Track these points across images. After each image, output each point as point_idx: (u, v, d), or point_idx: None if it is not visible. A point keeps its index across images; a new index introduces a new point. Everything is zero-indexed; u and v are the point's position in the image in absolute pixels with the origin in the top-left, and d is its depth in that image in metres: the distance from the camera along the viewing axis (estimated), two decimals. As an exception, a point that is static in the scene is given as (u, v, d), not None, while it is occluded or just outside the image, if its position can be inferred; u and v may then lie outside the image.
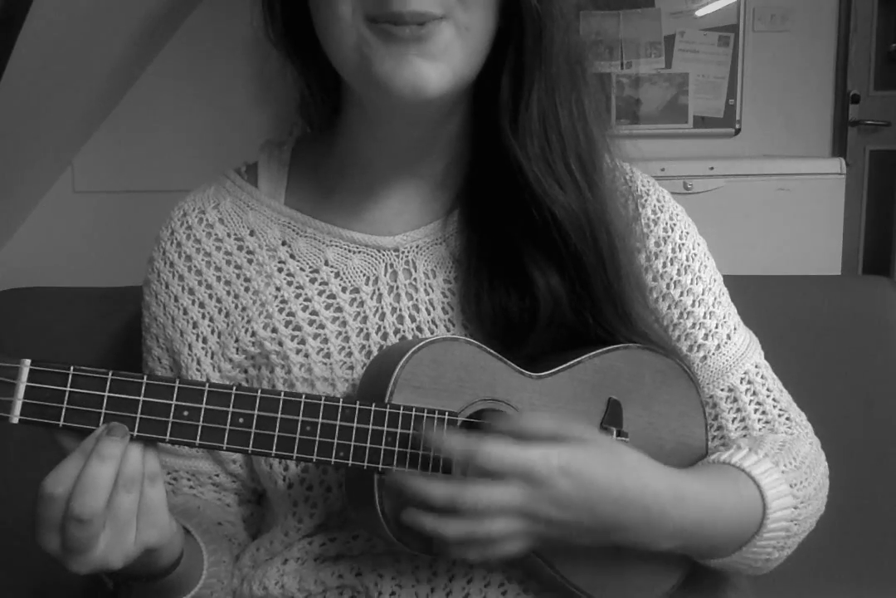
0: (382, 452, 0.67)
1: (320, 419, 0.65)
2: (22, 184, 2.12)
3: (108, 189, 2.45)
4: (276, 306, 0.82)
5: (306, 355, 0.81)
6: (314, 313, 0.82)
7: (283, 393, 0.65)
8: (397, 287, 0.83)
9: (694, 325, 0.85)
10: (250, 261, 0.84)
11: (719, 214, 2.30)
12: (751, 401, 0.86)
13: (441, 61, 0.71)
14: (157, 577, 0.69)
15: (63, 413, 0.60)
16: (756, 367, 0.87)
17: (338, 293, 0.82)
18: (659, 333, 0.82)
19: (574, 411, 0.76)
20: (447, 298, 0.83)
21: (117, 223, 2.43)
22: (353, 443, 0.66)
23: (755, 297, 1.03)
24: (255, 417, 0.64)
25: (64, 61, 1.58)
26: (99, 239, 2.44)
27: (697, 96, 2.78)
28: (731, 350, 0.86)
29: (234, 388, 0.64)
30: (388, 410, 0.68)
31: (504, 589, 0.78)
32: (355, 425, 0.66)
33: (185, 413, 0.62)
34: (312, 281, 0.83)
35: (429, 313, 0.82)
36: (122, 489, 0.60)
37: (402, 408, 0.68)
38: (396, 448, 0.68)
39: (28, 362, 0.59)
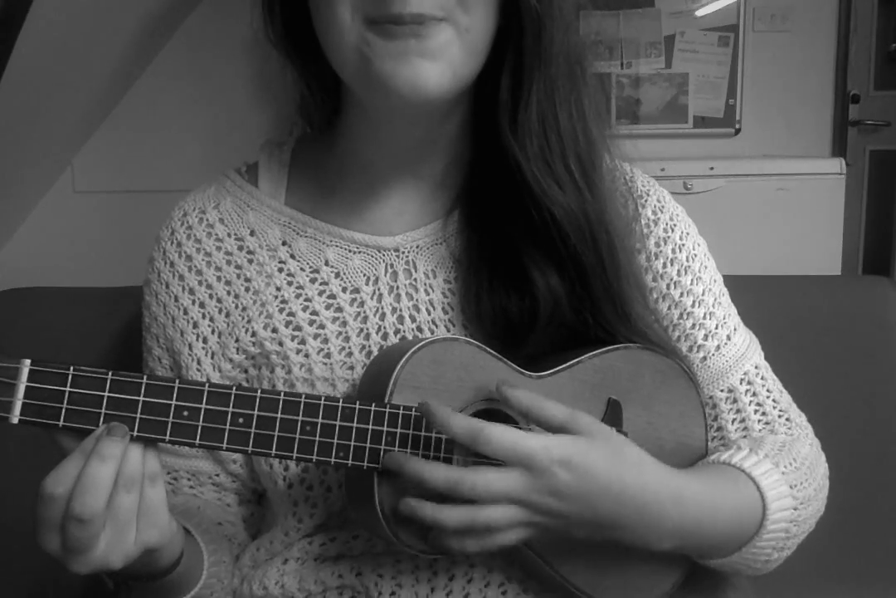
0: (382, 452, 0.67)
1: (320, 419, 0.65)
2: (22, 184, 2.12)
3: (108, 189, 2.46)
4: (277, 306, 0.82)
5: (306, 355, 0.81)
6: (314, 313, 0.82)
7: (282, 393, 0.65)
8: (397, 287, 0.83)
9: (694, 325, 0.85)
10: (251, 261, 0.84)
11: (719, 214, 2.30)
12: (750, 402, 0.86)
13: (441, 61, 0.71)
14: (157, 577, 0.69)
15: (63, 413, 0.60)
16: (756, 368, 0.87)
17: (338, 293, 0.82)
18: (659, 333, 0.82)
19: (574, 411, 0.76)
20: (447, 298, 0.83)
21: (117, 223, 2.43)
22: (352, 443, 0.66)
23: (755, 297, 1.03)
24: (255, 417, 0.64)
25: (64, 61, 1.58)
26: (99, 239, 2.44)
27: (697, 96, 2.78)
28: (730, 351, 0.86)
29: (234, 388, 0.64)
30: (387, 410, 0.68)
31: (504, 589, 0.78)
32: (355, 425, 0.66)
33: (185, 413, 0.62)
34: (313, 281, 0.83)
35: (429, 314, 0.82)
36: (122, 489, 0.60)
37: (402, 408, 0.68)
38: (396, 448, 0.68)
39: (28, 362, 0.59)
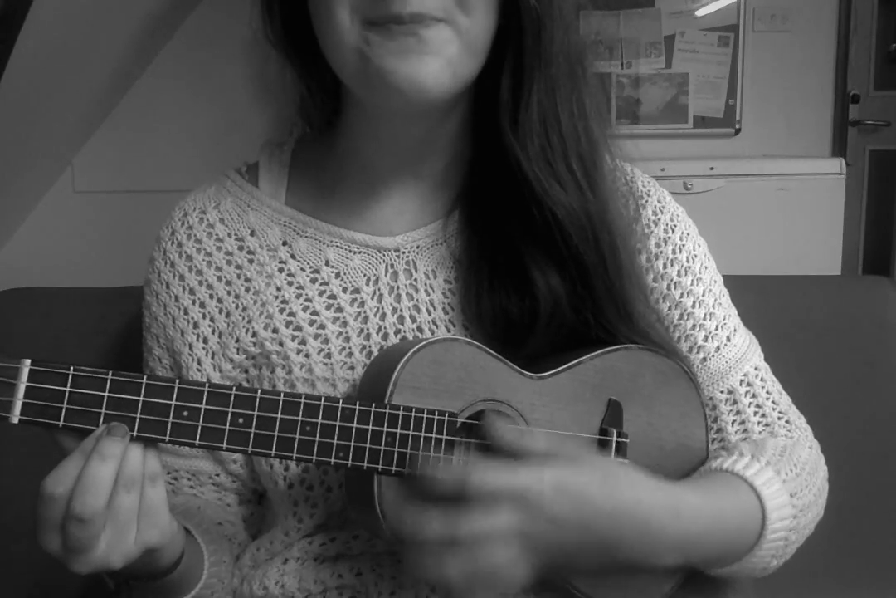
0: (382, 452, 0.67)
1: (320, 420, 0.65)
2: (22, 184, 2.12)
3: (108, 189, 2.45)
4: (277, 306, 0.82)
5: (307, 356, 0.81)
6: (315, 313, 0.82)
7: (282, 394, 0.65)
8: (398, 288, 0.83)
9: (694, 326, 0.85)
10: (251, 261, 0.84)
11: (719, 214, 2.30)
12: (750, 403, 0.86)
13: (440, 58, 0.71)
14: (157, 577, 0.69)
15: (63, 413, 0.60)
16: (756, 369, 0.87)
17: (338, 294, 0.82)
18: (660, 332, 0.82)
19: (574, 411, 0.76)
20: (448, 298, 0.83)
21: (117, 223, 2.43)
22: (352, 444, 0.66)
23: (755, 297, 1.03)
24: (255, 417, 0.64)
25: (64, 61, 1.58)
26: (99, 239, 2.44)
27: (697, 96, 2.78)
28: (730, 352, 0.86)
29: (234, 388, 0.64)
30: (387, 410, 0.68)
31: (504, 589, 0.78)
32: (355, 425, 0.66)
33: (185, 413, 0.62)
34: (313, 281, 0.83)
35: (429, 314, 0.82)
36: (122, 489, 0.60)
37: (401, 409, 0.68)
38: (396, 449, 0.68)
39: (28, 362, 0.59)
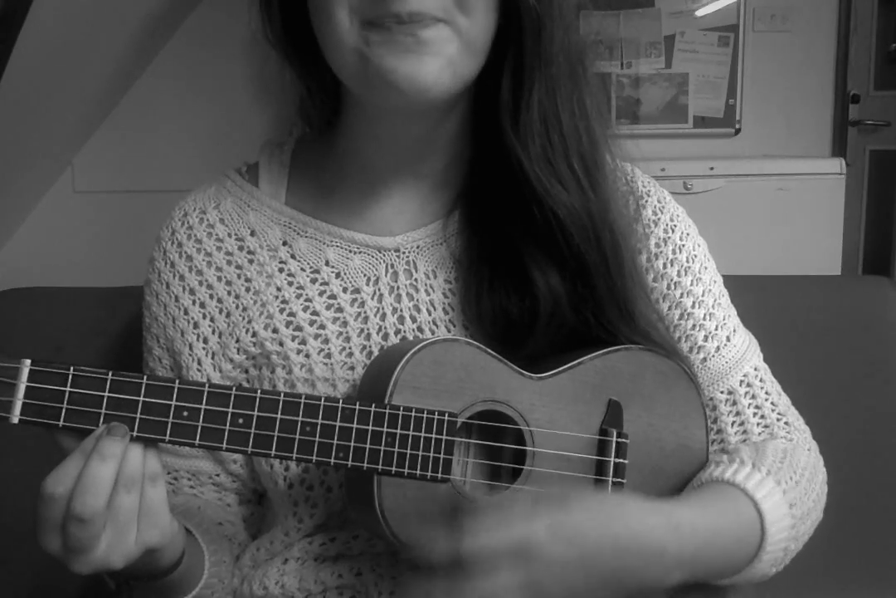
0: (382, 452, 0.67)
1: (320, 420, 0.65)
2: (22, 184, 2.12)
3: (108, 189, 2.45)
4: (277, 306, 0.82)
5: (307, 356, 0.81)
6: (315, 313, 0.82)
7: (282, 394, 0.65)
8: (398, 288, 0.83)
9: (694, 326, 0.85)
10: (251, 261, 0.84)
11: (719, 214, 2.29)
12: (749, 404, 0.86)
13: (440, 58, 0.71)
14: (158, 577, 0.69)
15: (63, 413, 0.60)
16: (755, 370, 0.87)
17: (338, 294, 0.82)
18: (661, 332, 0.82)
19: (574, 411, 0.76)
20: (448, 298, 0.83)
21: (117, 223, 2.43)
22: (352, 444, 0.66)
23: (755, 297, 1.03)
24: (255, 417, 0.64)
25: (64, 61, 1.58)
26: (99, 239, 2.44)
27: (697, 96, 2.78)
28: (730, 352, 0.86)
29: (234, 389, 0.64)
30: (387, 411, 0.68)
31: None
32: (355, 425, 0.66)
33: (185, 414, 0.62)
34: (313, 281, 0.83)
35: (429, 314, 0.82)
36: (122, 489, 0.60)
37: (401, 409, 0.68)
38: (396, 449, 0.68)
39: (28, 362, 0.59)
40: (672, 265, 0.86)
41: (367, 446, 0.67)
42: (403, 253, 0.83)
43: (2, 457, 1.15)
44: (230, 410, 0.63)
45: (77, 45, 1.58)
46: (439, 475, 0.69)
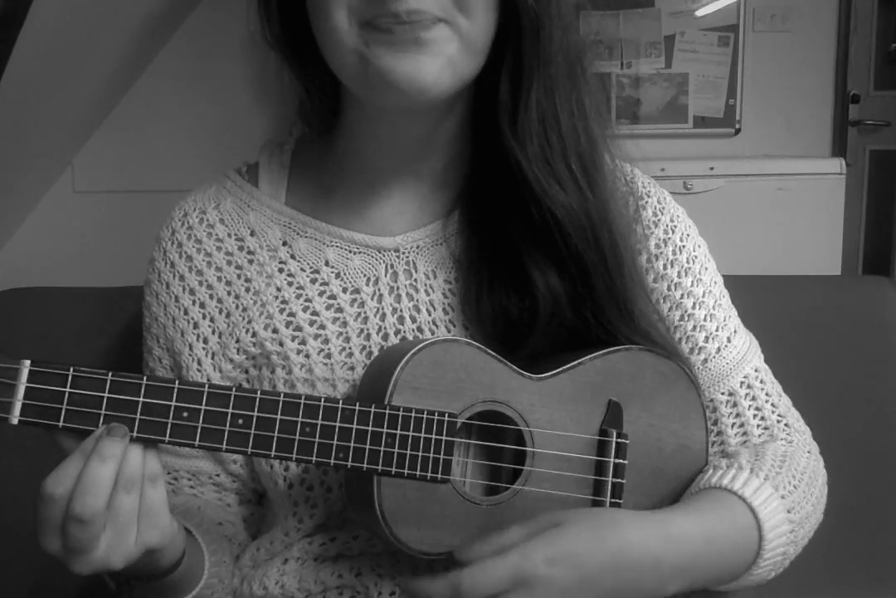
0: (382, 453, 0.67)
1: (320, 421, 0.65)
2: (22, 184, 2.12)
3: (108, 189, 2.45)
4: (277, 306, 0.82)
5: (307, 356, 0.81)
6: (315, 313, 0.82)
7: (282, 394, 0.65)
8: (398, 288, 0.83)
9: (695, 327, 0.85)
10: (251, 261, 0.84)
11: (719, 214, 2.29)
12: (750, 406, 0.86)
13: (440, 57, 0.71)
14: (158, 577, 0.70)
15: (63, 414, 0.60)
16: (756, 371, 0.87)
17: (338, 294, 0.82)
18: (662, 332, 0.82)
19: (574, 412, 0.76)
20: (448, 298, 0.83)
21: (117, 223, 2.43)
22: (352, 444, 0.66)
23: (755, 297, 1.03)
24: (255, 418, 0.64)
25: (64, 61, 1.58)
26: (99, 239, 2.44)
27: (697, 96, 2.78)
28: (730, 353, 0.86)
29: (234, 389, 0.64)
30: (387, 411, 0.68)
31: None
32: (355, 426, 0.66)
33: (185, 414, 0.62)
34: (313, 281, 0.83)
35: (429, 314, 0.82)
36: (122, 490, 0.60)
37: (401, 409, 0.68)
38: (396, 450, 0.68)
39: (28, 362, 0.59)
40: (672, 266, 0.86)
41: (367, 446, 0.67)
42: (403, 253, 0.83)
43: (2, 457, 1.15)
44: (230, 410, 0.63)
45: (77, 45, 1.58)
46: (439, 476, 0.69)
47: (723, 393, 0.85)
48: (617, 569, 0.67)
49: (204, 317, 0.83)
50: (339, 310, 0.82)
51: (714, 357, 0.85)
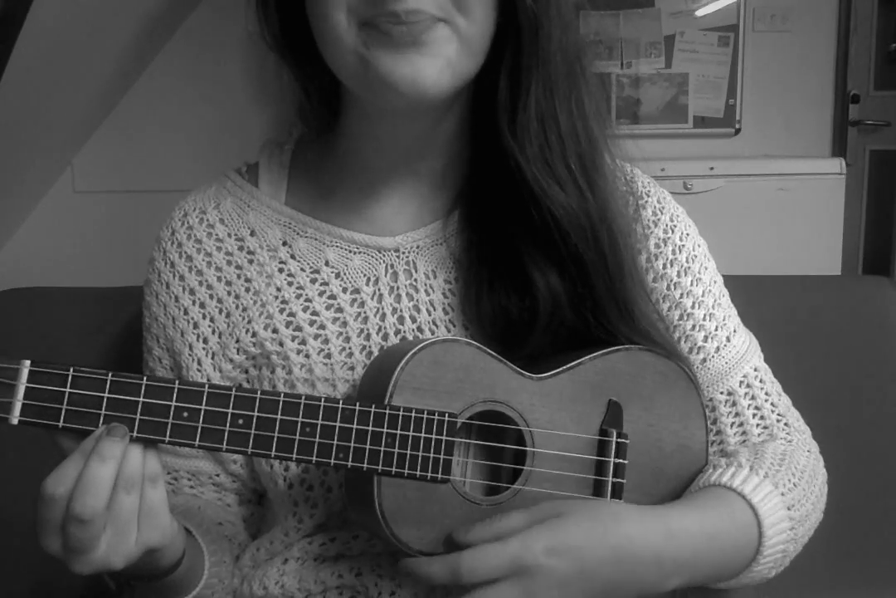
0: (382, 453, 0.67)
1: (320, 421, 0.65)
2: (22, 184, 2.12)
3: (108, 189, 2.46)
4: (277, 306, 0.82)
5: (307, 356, 0.81)
6: (315, 313, 0.82)
7: (282, 394, 0.65)
8: (398, 288, 0.83)
9: (694, 327, 0.85)
10: (251, 261, 0.84)
11: (719, 214, 2.30)
12: (749, 405, 0.86)
13: (439, 58, 0.70)
14: (158, 577, 0.70)
15: (63, 414, 0.60)
16: (755, 370, 0.87)
17: (338, 294, 0.82)
18: (661, 332, 0.82)
19: (574, 412, 0.76)
20: (448, 298, 0.83)
21: (117, 223, 2.43)
22: (352, 444, 0.66)
23: (755, 297, 1.03)
24: (255, 418, 0.64)
25: (64, 61, 1.58)
26: (99, 239, 2.44)
27: (697, 96, 2.78)
28: (730, 353, 0.86)
29: (234, 389, 0.64)
30: (387, 411, 0.68)
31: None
32: (355, 426, 0.66)
33: (185, 414, 0.62)
34: (313, 281, 0.83)
35: (429, 314, 0.82)
36: (122, 490, 0.60)
37: (401, 409, 0.68)
38: (396, 450, 0.68)
39: (28, 363, 0.59)
40: (672, 266, 0.86)
41: (367, 446, 0.67)
42: (403, 253, 0.83)
43: (2, 457, 1.15)
44: (230, 410, 0.63)
45: (77, 45, 1.58)
46: (439, 476, 0.69)
47: (722, 392, 0.85)
48: (617, 563, 0.67)
49: (204, 317, 0.83)
50: (339, 310, 0.82)
51: (713, 357, 0.85)
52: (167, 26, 2.31)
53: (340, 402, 0.66)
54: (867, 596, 1.19)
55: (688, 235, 0.87)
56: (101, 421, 0.60)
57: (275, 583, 0.81)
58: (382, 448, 0.67)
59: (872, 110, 2.91)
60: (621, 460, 0.76)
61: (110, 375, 0.61)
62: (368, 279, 0.83)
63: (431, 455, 0.69)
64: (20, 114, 1.58)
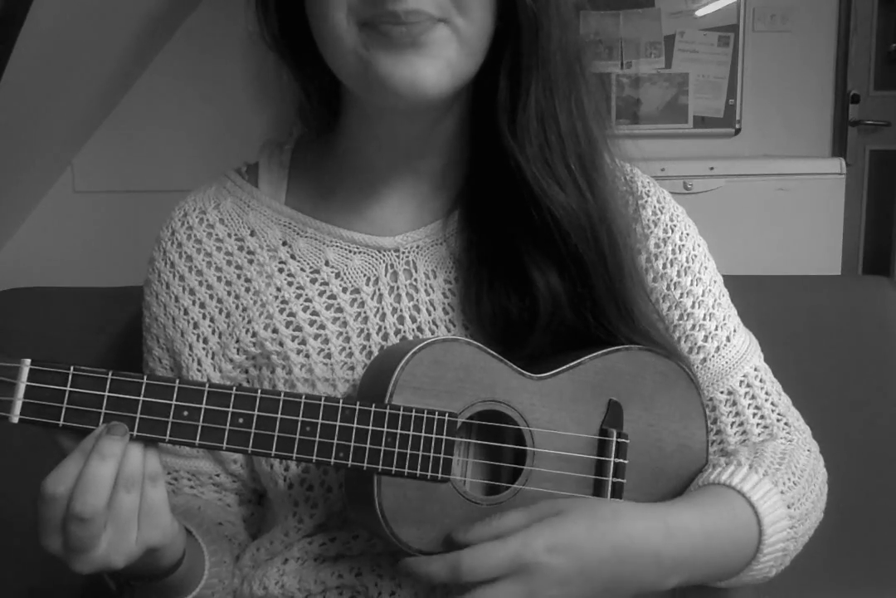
0: (382, 453, 0.67)
1: (320, 420, 0.65)
2: (22, 184, 2.12)
3: (108, 189, 2.45)
4: (277, 306, 0.82)
5: (307, 356, 0.81)
6: (315, 313, 0.82)
7: (283, 394, 0.65)
8: (398, 288, 0.83)
9: (694, 326, 0.85)
10: (251, 261, 0.84)
11: (719, 214, 2.30)
12: (749, 405, 0.86)
13: (439, 59, 0.70)
14: (159, 577, 0.70)
15: (63, 413, 0.60)
16: (755, 370, 0.87)
17: (338, 294, 0.82)
18: (661, 332, 0.82)
19: (574, 412, 0.76)
20: (448, 298, 0.83)
21: (117, 223, 2.43)
22: (352, 444, 0.66)
23: (755, 297, 1.03)
24: (255, 417, 0.64)
25: (64, 61, 1.58)
26: (99, 239, 2.44)
27: (697, 96, 2.78)
28: (730, 353, 0.86)
29: (234, 388, 0.64)
30: (387, 411, 0.68)
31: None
32: (355, 425, 0.66)
33: (185, 413, 0.62)
34: (313, 281, 0.83)
35: (429, 314, 0.82)
36: (122, 489, 0.60)
37: (402, 409, 0.68)
38: (396, 449, 0.68)
39: (28, 361, 0.59)
40: (672, 265, 0.86)
41: (368, 446, 0.67)
42: (403, 253, 0.83)
43: (2, 457, 1.15)
44: (230, 409, 0.63)
45: (77, 45, 1.58)
46: (439, 475, 0.69)
47: (722, 392, 0.85)
48: (617, 561, 0.68)
49: (204, 317, 0.83)
50: (339, 310, 0.82)
51: (713, 356, 0.85)
52: (167, 26, 2.31)
53: (341, 401, 0.66)
54: (867, 596, 1.19)
55: (688, 234, 0.87)
56: (101, 420, 0.60)
57: (275, 583, 0.81)
58: (382, 448, 0.67)
59: (872, 110, 2.91)
60: (621, 460, 0.76)
61: (110, 373, 0.61)
62: (368, 279, 0.83)
63: (431, 455, 0.69)
64: (20, 114, 1.58)
